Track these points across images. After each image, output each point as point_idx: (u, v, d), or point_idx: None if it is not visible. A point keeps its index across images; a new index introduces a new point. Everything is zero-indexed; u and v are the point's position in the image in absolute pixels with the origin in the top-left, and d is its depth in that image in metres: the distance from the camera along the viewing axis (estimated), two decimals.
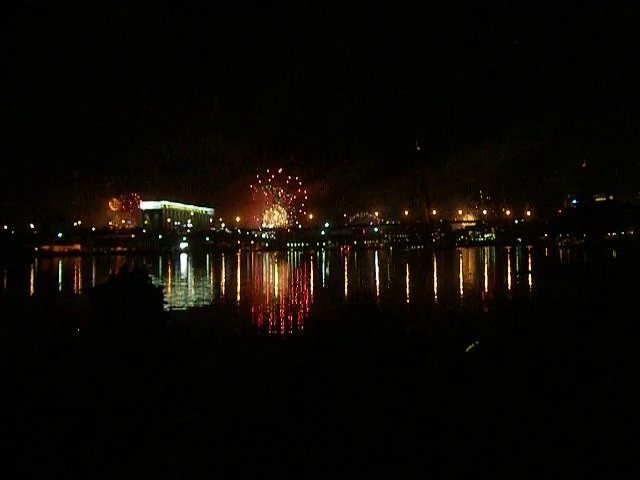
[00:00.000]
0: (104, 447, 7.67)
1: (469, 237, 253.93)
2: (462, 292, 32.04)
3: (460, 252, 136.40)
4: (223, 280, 49.10)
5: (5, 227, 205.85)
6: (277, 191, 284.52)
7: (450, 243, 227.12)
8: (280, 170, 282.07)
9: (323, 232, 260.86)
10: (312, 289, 37.46)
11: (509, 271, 52.93)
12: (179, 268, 76.74)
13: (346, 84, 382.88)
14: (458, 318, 19.09)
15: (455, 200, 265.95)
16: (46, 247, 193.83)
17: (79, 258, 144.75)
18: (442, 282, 41.78)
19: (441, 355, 12.09)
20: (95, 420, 8.71)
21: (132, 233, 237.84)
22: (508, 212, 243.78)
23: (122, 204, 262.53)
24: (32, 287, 45.11)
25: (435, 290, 33.88)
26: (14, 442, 7.95)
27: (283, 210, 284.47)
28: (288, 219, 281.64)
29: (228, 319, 21.63)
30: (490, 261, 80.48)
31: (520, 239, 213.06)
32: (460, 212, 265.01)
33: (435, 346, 12.81)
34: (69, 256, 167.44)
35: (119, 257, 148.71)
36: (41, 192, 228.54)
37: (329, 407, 9.15)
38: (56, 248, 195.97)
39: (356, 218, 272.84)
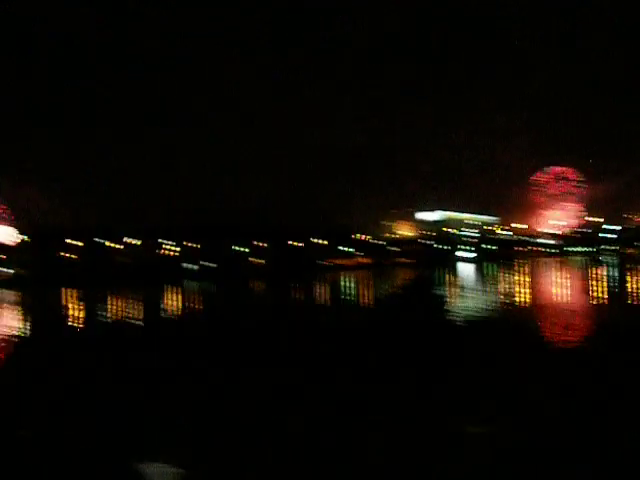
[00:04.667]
0: None
1: None
2: None
3: None
4: (515, 289, 48.16)
5: (294, 243, 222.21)
6: (562, 190, 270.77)
7: None
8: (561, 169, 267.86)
9: (609, 235, 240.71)
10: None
11: None
12: (463, 277, 76.83)
13: None
14: None
15: None
16: (336, 261, 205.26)
17: (364, 271, 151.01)
18: None
19: None
20: None
21: (413, 244, 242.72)
22: None
23: (398, 217, 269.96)
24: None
25: None
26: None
27: (568, 211, 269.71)
28: (574, 221, 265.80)
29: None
30: None
31: None
32: None
33: None
34: (354, 269, 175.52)
35: (402, 268, 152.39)
36: (327, 208, 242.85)
37: None
38: (343, 261, 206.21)
39: None
